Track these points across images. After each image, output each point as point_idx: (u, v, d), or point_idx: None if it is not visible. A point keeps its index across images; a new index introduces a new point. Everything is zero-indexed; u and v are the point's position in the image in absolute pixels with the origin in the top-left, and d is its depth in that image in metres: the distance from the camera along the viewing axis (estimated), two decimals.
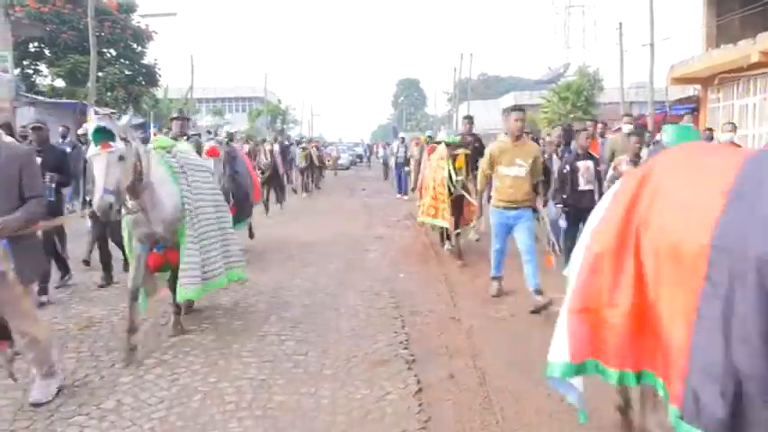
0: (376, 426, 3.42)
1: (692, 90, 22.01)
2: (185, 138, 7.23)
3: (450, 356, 4.50)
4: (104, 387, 3.93)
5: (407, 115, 76.29)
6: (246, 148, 13.29)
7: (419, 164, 10.96)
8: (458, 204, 7.65)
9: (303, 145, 19.01)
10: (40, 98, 19.69)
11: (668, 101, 22.01)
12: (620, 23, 23.16)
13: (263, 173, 12.37)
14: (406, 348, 4.64)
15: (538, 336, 4.89)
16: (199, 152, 6.83)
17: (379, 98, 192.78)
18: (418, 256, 8.47)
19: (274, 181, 13.09)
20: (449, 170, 7.45)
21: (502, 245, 5.87)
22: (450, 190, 7.53)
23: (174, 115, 7.97)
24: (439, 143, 8.61)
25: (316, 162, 19.58)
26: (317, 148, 21.44)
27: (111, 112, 22.15)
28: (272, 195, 12.94)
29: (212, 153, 7.12)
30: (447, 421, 3.48)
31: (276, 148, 13.99)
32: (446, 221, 7.66)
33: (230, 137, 13.77)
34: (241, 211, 7.84)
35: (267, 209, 12.45)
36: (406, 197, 16.07)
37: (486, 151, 5.92)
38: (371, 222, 12.12)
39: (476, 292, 6.34)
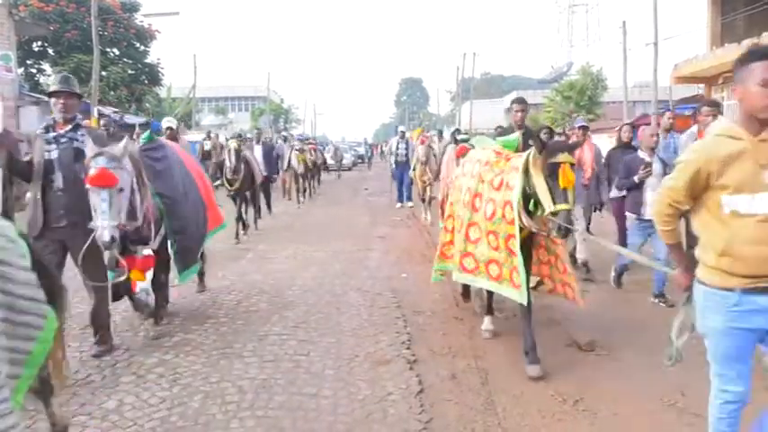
0: (378, 426, 3.40)
1: (696, 89, 21.96)
2: (71, 125, 4.33)
3: (452, 357, 4.48)
4: (106, 387, 3.92)
5: (410, 114, 76.31)
6: (208, 144, 11.29)
7: (438, 168, 9.17)
8: (526, 245, 4.25)
9: (299, 147, 15.51)
10: (44, 97, 19.71)
11: (672, 100, 21.96)
12: (624, 22, 23.16)
13: (229, 183, 9.50)
14: (408, 348, 4.62)
15: (540, 336, 4.88)
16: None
17: (382, 97, 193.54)
18: (421, 255, 8.44)
19: (248, 193, 10.01)
20: (533, 190, 3.95)
21: (744, 388, 2.53)
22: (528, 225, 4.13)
23: (54, 88, 4.32)
24: (466, 141, 6.42)
25: (310, 166, 16.82)
26: (315, 151, 18.48)
27: (115, 111, 22.14)
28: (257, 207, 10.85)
29: (100, 182, 3.90)
30: (449, 422, 3.47)
31: (258, 149, 11.78)
32: (508, 285, 4.20)
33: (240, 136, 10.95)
34: (186, 255, 5.10)
35: (245, 227, 9.76)
36: (410, 204, 14.05)
37: (688, 159, 2.57)
38: (374, 222, 12.10)
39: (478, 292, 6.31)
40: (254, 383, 3.96)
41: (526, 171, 4.01)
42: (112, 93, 23.67)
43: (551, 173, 3.81)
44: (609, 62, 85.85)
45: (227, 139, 10.94)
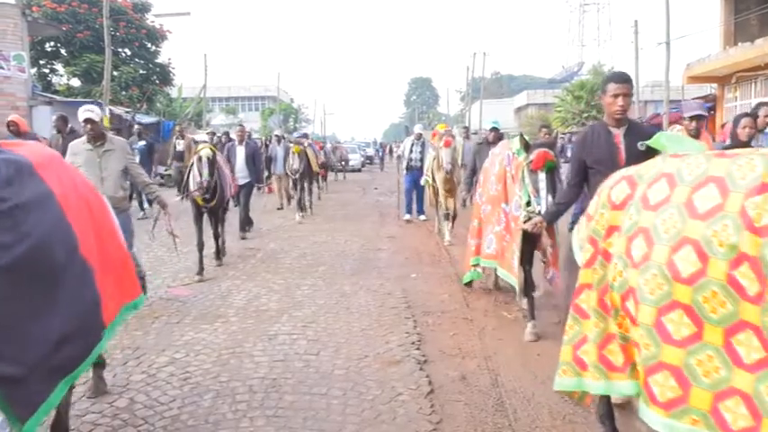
0: (387, 427, 3.40)
1: (708, 89, 21.78)
2: None
3: (462, 357, 4.46)
4: (117, 385, 3.94)
5: (420, 114, 76.26)
6: (180, 144, 9.42)
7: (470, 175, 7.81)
8: None
9: (294, 139, 12.42)
10: (56, 97, 19.89)
11: (684, 100, 21.80)
12: (636, 21, 22.91)
13: (199, 200, 7.22)
14: (417, 349, 4.61)
15: (551, 337, 4.85)
16: None
17: (392, 97, 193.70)
18: (430, 255, 8.43)
19: (219, 209, 7.82)
20: None
21: None
22: None
23: None
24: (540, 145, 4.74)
25: (314, 167, 13.68)
26: (323, 150, 16.73)
27: (126, 111, 22.19)
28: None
29: None
30: (459, 422, 3.45)
31: (241, 151, 9.45)
32: None
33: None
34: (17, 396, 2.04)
35: (202, 266, 7.03)
36: (422, 217, 11.82)
37: None
38: (383, 221, 12.08)
39: (488, 293, 6.29)
40: (264, 383, 3.96)
41: None
42: (124, 93, 23.83)
43: None
44: (620, 62, 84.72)
45: (195, 142, 8.41)
